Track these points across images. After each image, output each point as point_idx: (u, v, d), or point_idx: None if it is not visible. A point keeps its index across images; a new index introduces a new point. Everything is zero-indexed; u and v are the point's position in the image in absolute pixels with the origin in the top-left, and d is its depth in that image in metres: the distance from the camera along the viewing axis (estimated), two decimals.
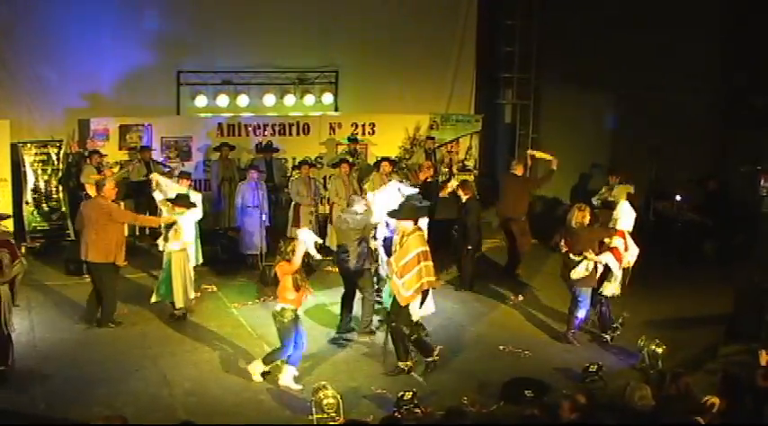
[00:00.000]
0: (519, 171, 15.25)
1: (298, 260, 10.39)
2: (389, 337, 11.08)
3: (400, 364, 10.94)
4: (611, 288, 12.08)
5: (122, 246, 12.13)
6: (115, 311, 12.28)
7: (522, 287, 14.49)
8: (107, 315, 12.16)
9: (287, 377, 10.47)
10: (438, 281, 10.92)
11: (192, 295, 12.75)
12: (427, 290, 11.00)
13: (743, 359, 10.40)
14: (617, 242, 11.88)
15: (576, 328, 12.17)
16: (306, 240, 10.69)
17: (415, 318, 11.11)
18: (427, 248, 10.85)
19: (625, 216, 12.04)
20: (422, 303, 11.04)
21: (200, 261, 13.70)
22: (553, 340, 12.27)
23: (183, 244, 12.42)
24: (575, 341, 12.12)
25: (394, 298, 10.92)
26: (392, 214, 11.16)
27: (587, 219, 11.98)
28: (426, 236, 11.11)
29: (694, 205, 16.02)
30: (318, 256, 11.79)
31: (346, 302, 12.26)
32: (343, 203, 15.24)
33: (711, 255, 15.45)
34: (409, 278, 10.69)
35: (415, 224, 10.91)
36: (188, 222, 12.60)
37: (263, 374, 10.60)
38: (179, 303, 12.44)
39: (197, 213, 13.06)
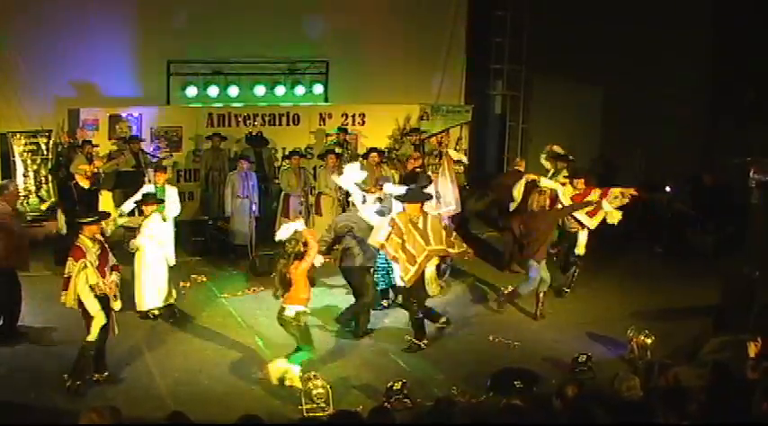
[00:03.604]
0: (522, 166, 15.28)
1: (314, 254, 10.20)
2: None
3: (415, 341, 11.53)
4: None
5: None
6: None
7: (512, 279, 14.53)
8: None
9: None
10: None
11: (154, 302, 12.21)
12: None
13: (731, 351, 10.44)
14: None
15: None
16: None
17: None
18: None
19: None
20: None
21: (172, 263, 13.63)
22: (541, 329, 12.36)
23: (146, 242, 12.00)
24: (504, 310, 12.91)
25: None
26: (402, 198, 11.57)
27: (548, 203, 12.60)
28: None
29: (684, 197, 16.08)
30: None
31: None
32: (333, 194, 15.26)
33: (710, 248, 15.48)
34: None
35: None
36: (156, 220, 12.17)
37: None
38: (137, 306, 12.14)
39: (174, 209, 13.04)
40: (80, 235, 9.98)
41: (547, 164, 15.19)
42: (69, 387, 9.86)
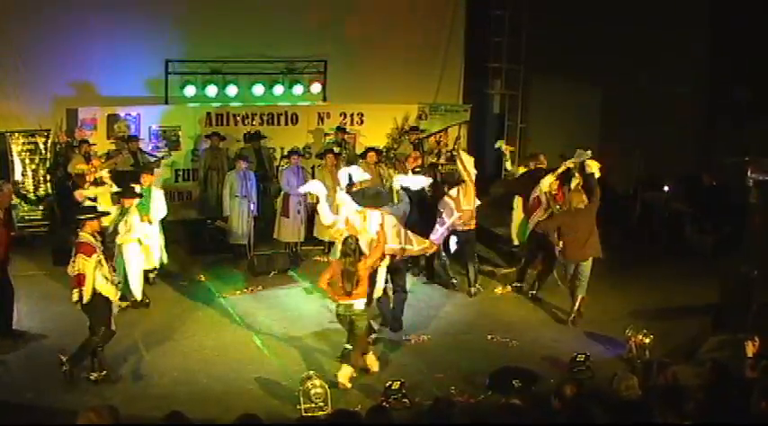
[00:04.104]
0: (544, 163, 15.02)
1: (382, 249, 10.51)
2: None
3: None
4: None
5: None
6: None
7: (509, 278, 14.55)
8: None
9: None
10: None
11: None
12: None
13: (730, 350, 10.44)
14: None
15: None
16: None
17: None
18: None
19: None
20: None
21: (165, 261, 13.50)
22: (540, 328, 12.37)
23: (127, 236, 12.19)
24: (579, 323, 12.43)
25: None
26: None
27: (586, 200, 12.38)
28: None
29: (682, 196, 16.09)
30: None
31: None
32: (331, 193, 15.22)
33: (708, 248, 15.48)
34: None
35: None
36: (135, 214, 12.29)
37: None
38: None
39: (161, 210, 13.03)
40: (81, 232, 10.02)
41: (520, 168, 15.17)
42: (65, 372, 9.97)
